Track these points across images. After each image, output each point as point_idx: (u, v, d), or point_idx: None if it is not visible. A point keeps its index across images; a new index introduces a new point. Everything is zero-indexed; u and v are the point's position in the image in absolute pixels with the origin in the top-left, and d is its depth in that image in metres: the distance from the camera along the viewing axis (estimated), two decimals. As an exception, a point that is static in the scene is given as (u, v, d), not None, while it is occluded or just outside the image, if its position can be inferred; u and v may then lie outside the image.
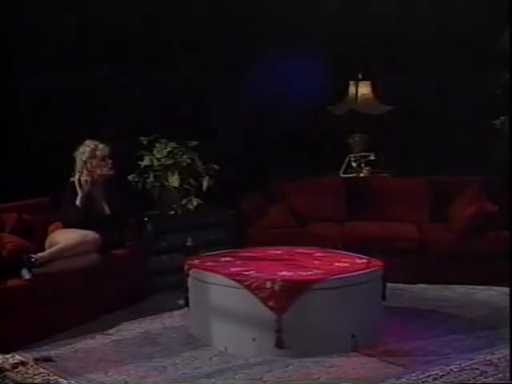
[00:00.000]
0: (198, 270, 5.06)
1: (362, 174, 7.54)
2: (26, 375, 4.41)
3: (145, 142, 6.48)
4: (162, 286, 6.13)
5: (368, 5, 7.51)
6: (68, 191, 5.72)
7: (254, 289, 4.65)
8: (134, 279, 5.87)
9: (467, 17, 7.18)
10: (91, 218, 5.62)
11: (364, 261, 5.13)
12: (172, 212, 6.49)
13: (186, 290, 5.18)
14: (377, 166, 7.56)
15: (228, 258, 5.34)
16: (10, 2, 6.48)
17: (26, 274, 5.00)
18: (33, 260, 5.06)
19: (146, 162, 6.44)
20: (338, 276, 4.79)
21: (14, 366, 4.52)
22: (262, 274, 4.82)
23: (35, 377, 4.39)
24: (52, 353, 4.75)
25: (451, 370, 4.34)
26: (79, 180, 5.72)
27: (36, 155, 6.48)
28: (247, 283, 4.68)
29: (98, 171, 5.76)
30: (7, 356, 4.66)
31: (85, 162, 5.75)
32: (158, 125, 6.66)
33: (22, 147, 6.49)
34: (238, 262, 5.20)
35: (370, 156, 7.57)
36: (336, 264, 5.07)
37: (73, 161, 5.80)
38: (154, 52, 7.12)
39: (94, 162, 5.75)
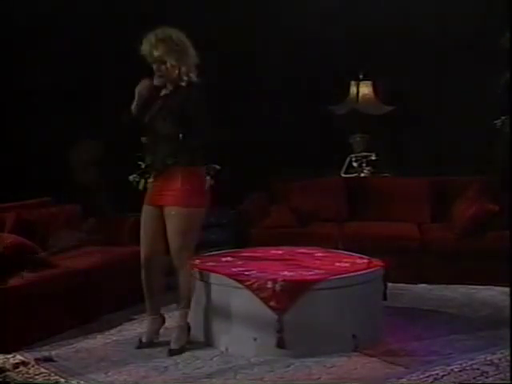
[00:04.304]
0: (199, 270, 5.06)
1: (363, 174, 7.54)
2: (26, 375, 4.40)
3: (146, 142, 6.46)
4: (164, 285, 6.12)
5: (368, 5, 7.52)
6: None
7: (255, 289, 4.64)
8: (136, 279, 5.85)
9: (468, 16, 7.18)
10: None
11: (365, 261, 5.12)
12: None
13: (188, 289, 5.18)
14: (378, 166, 7.56)
15: (229, 258, 5.33)
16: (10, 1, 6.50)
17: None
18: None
19: (147, 161, 6.42)
20: (339, 276, 4.79)
21: (15, 366, 4.50)
22: (264, 273, 4.81)
23: (36, 377, 4.38)
24: (53, 353, 4.74)
25: (452, 370, 4.34)
26: None
27: (36, 155, 6.48)
28: (248, 283, 4.68)
29: None
30: (8, 356, 4.65)
31: None
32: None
33: (22, 147, 6.49)
34: (239, 262, 5.19)
35: (371, 156, 7.57)
36: (337, 264, 5.06)
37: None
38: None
39: None
